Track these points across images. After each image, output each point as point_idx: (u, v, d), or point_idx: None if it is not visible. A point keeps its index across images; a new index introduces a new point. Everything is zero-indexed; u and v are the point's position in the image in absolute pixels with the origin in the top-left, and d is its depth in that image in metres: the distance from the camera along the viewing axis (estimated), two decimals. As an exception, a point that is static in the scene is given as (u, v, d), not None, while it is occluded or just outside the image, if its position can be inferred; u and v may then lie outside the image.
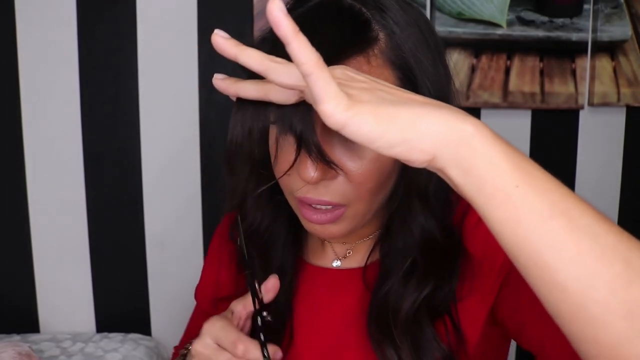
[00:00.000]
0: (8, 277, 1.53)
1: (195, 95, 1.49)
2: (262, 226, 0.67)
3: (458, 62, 1.55)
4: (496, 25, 1.54)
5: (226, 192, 0.62)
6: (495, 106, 1.57)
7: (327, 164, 0.51)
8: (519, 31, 1.55)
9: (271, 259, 0.67)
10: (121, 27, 1.48)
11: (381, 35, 0.54)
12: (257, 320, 0.56)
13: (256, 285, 0.57)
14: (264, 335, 0.55)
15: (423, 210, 0.60)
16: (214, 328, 0.55)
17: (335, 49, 0.50)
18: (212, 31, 0.40)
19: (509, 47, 1.55)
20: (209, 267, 0.79)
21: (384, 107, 0.37)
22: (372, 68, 0.53)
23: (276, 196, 0.62)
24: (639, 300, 0.34)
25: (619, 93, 1.61)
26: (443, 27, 1.53)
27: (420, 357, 0.58)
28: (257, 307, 0.56)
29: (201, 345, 0.55)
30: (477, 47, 1.54)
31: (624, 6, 1.58)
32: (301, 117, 0.47)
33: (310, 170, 0.52)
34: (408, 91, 0.41)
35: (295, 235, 0.68)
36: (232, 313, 0.59)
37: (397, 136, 0.36)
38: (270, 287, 0.57)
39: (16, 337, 1.44)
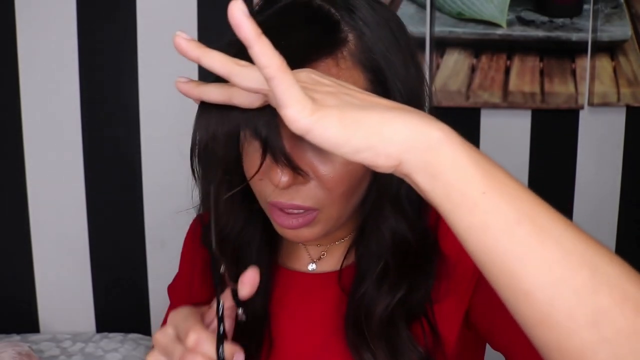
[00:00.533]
0: (8, 277, 1.53)
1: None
2: (235, 229, 0.64)
3: (458, 62, 1.55)
4: (496, 25, 1.54)
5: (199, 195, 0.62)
6: (495, 106, 1.57)
7: (293, 169, 0.50)
8: (519, 31, 1.55)
9: (245, 263, 0.64)
10: (121, 27, 1.48)
11: (350, 37, 0.53)
12: (218, 312, 0.47)
13: (223, 272, 0.48)
14: (224, 330, 0.47)
15: (394, 213, 0.58)
16: (177, 316, 0.49)
17: (302, 51, 0.49)
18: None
19: (509, 47, 1.55)
20: (182, 270, 0.77)
21: (349, 112, 0.36)
22: (341, 70, 0.52)
23: (249, 199, 0.61)
24: (604, 309, 0.34)
25: (619, 93, 1.61)
26: (443, 27, 1.53)
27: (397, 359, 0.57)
28: (219, 298, 0.48)
29: (161, 334, 0.50)
30: (477, 47, 1.54)
31: (624, 6, 1.58)
32: (266, 121, 0.46)
33: (280, 174, 0.51)
34: (375, 95, 0.40)
35: (270, 238, 0.66)
36: (210, 308, 0.54)
37: (362, 141, 0.36)
38: (247, 280, 0.47)
39: (16, 337, 1.44)
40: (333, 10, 0.54)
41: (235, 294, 0.48)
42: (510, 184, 0.36)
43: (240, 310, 0.49)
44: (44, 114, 1.48)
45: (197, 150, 0.49)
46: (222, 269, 0.48)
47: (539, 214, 0.36)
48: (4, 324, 1.49)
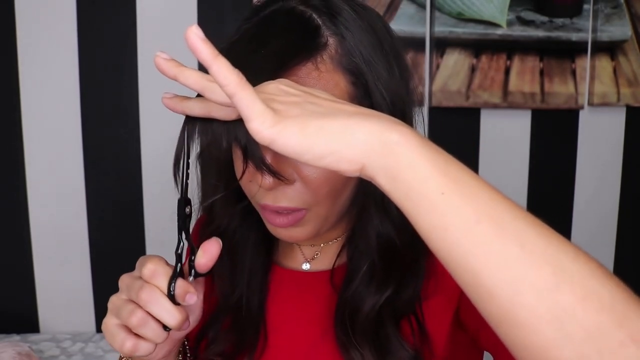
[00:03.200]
0: (8, 277, 1.53)
1: (195, 95, 1.49)
2: (230, 228, 0.66)
3: (458, 62, 1.55)
4: (496, 25, 1.54)
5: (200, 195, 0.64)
6: (495, 106, 1.57)
7: (273, 174, 0.52)
8: (519, 31, 1.55)
9: (240, 261, 0.66)
10: (121, 27, 1.48)
11: (331, 41, 0.55)
12: (177, 250, 0.47)
13: (189, 213, 0.48)
14: (181, 268, 0.47)
15: (379, 214, 0.59)
16: (145, 259, 0.51)
17: (281, 58, 0.51)
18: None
19: (509, 47, 1.55)
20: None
21: (311, 120, 0.38)
22: (322, 74, 0.53)
23: (244, 200, 0.62)
24: (567, 306, 0.34)
25: (618, 93, 1.61)
26: (443, 27, 1.53)
27: (385, 358, 0.58)
28: (181, 237, 0.48)
29: (127, 275, 0.52)
30: (477, 47, 1.54)
31: (624, 6, 1.58)
32: (244, 131, 0.46)
33: (264, 177, 0.53)
34: (342, 101, 0.42)
35: (265, 237, 0.67)
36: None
37: (324, 148, 0.37)
38: (207, 249, 0.48)
39: (16, 337, 1.44)
40: (315, 16, 0.55)
41: (192, 259, 0.48)
42: (471, 183, 0.37)
43: (190, 278, 0.49)
44: (44, 114, 1.48)
45: (183, 158, 0.50)
46: (187, 210, 0.49)
47: (499, 213, 0.36)
48: (4, 324, 1.49)
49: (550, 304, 0.34)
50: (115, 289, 0.53)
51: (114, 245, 1.54)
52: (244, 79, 0.37)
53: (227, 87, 0.36)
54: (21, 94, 1.47)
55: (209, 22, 1.47)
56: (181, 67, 0.41)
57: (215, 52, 0.36)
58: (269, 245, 0.69)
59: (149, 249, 1.54)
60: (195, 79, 0.41)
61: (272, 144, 0.37)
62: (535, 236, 0.36)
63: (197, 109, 0.45)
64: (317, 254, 0.68)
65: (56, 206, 1.51)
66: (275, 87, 0.41)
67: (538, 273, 0.34)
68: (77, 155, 1.50)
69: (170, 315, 0.47)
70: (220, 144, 0.48)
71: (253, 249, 0.67)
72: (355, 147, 0.37)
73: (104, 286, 1.54)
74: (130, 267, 0.55)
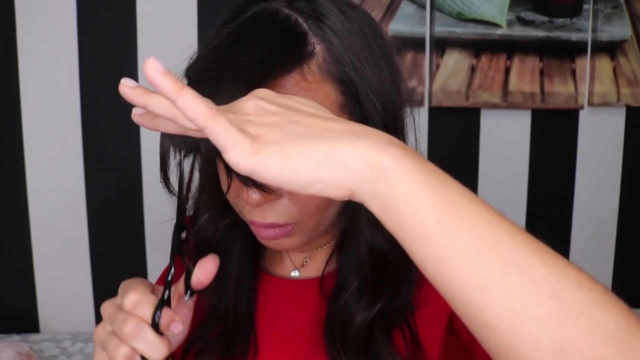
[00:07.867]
0: (8, 276, 1.53)
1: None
2: (216, 237, 0.64)
3: (458, 62, 1.55)
4: (496, 25, 1.54)
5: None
6: (495, 106, 1.57)
7: (259, 188, 0.50)
8: (519, 31, 1.55)
9: (227, 269, 0.64)
10: (121, 27, 1.48)
11: (318, 49, 0.51)
12: (167, 276, 0.45)
13: (184, 239, 0.45)
14: (168, 296, 0.44)
15: (370, 226, 0.57)
16: (127, 286, 0.47)
17: (265, 67, 0.48)
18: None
19: (509, 47, 1.55)
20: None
21: (293, 146, 0.34)
22: (310, 84, 0.50)
23: (229, 210, 0.60)
24: (570, 340, 0.32)
25: (618, 93, 1.61)
26: (443, 27, 1.53)
27: None
28: (172, 263, 0.45)
29: (109, 303, 0.48)
30: (477, 47, 1.54)
31: (624, 6, 1.58)
32: None
33: (251, 193, 0.51)
34: (327, 115, 0.38)
35: (252, 245, 0.65)
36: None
37: (309, 176, 0.34)
38: (204, 266, 0.45)
39: (16, 337, 1.44)
40: (300, 21, 0.52)
41: (188, 277, 0.45)
42: (470, 209, 0.35)
43: (186, 297, 0.46)
44: (44, 114, 1.48)
45: (166, 168, 0.48)
46: (183, 235, 0.46)
47: (500, 241, 0.34)
48: (4, 324, 1.49)
49: (553, 337, 0.32)
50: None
51: (114, 245, 1.54)
52: (214, 108, 0.33)
53: (196, 121, 0.33)
54: (21, 94, 1.47)
55: (208, 22, 1.47)
56: (149, 95, 0.38)
57: (179, 85, 0.33)
58: (256, 253, 0.67)
59: (148, 249, 1.54)
60: (165, 107, 0.37)
61: (253, 174, 0.34)
62: (537, 266, 0.34)
63: (173, 128, 0.41)
64: (306, 261, 0.66)
65: (56, 206, 1.51)
66: (253, 104, 0.37)
67: (540, 306, 0.33)
68: (77, 156, 1.50)
69: (155, 349, 0.43)
70: (202, 158, 0.46)
71: (239, 257, 0.65)
72: (342, 174, 0.34)
73: (104, 286, 1.54)
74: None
